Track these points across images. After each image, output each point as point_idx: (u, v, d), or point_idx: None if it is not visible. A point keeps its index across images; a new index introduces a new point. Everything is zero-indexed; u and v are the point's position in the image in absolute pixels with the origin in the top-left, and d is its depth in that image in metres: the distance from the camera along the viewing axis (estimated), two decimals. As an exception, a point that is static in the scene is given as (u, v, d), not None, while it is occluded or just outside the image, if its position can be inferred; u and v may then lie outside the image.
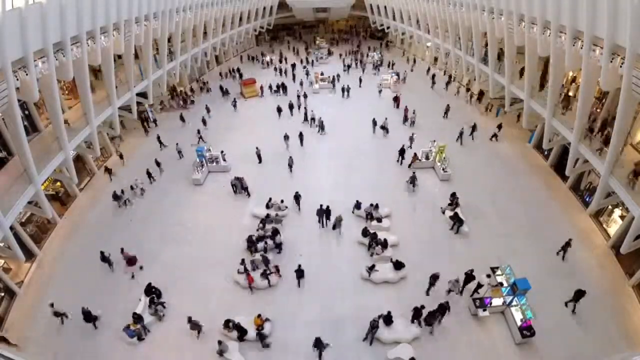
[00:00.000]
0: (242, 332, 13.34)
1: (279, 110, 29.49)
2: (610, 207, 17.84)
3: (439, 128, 27.08)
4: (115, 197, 19.96)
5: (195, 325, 13.51)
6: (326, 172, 22.68)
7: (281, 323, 14.13)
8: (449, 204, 19.04)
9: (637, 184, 14.79)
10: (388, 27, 45.17)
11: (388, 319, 13.51)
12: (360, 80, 35.43)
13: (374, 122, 26.56)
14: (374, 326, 13.22)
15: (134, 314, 13.78)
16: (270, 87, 34.52)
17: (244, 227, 18.44)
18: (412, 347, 12.96)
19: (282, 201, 19.28)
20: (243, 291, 15.51)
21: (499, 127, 25.78)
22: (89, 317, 13.77)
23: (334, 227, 17.91)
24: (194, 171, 22.25)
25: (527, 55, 21.05)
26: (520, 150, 24.38)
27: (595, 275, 15.75)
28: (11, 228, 14.44)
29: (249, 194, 20.80)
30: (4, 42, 12.69)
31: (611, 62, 13.92)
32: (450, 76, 35.14)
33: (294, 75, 37.22)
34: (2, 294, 15.00)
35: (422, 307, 13.64)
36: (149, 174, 21.78)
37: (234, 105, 31.12)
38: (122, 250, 16.43)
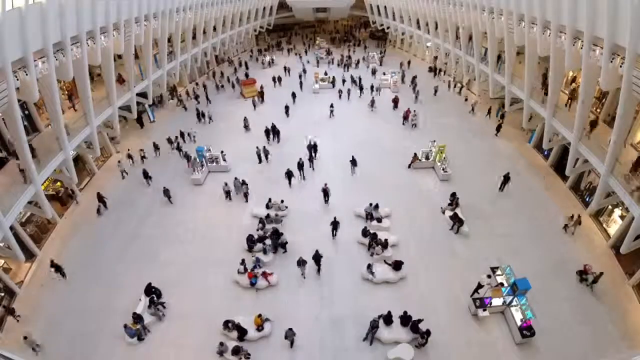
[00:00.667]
0: (241, 333, 13.34)
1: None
2: (610, 207, 17.85)
3: (439, 128, 27.12)
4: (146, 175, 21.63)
5: None
6: (326, 172, 22.72)
7: (281, 323, 14.11)
8: (449, 204, 19.04)
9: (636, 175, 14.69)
10: (388, 27, 45.16)
11: (388, 319, 13.51)
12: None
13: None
14: (374, 326, 13.21)
15: (134, 313, 13.79)
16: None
17: (244, 227, 18.44)
18: (412, 347, 12.98)
19: (282, 201, 19.29)
20: (243, 291, 15.50)
21: (499, 127, 25.95)
22: None
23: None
24: (194, 171, 22.25)
25: (527, 55, 21.05)
26: (520, 150, 24.38)
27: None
28: (11, 228, 14.46)
29: (247, 199, 20.35)
30: (4, 42, 12.71)
31: (611, 62, 13.92)
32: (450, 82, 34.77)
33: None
34: (2, 294, 14.99)
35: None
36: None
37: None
38: None
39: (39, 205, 16.57)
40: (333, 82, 34.92)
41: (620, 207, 17.04)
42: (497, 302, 13.97)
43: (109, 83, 21.52)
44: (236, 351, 12.65)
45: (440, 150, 22.25)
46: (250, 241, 16.96)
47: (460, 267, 16.20)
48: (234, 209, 19.94)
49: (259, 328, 13.57)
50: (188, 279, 15.99)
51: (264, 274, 15.49)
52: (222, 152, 23.24)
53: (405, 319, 13.49)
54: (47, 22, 14.76)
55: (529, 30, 19.71)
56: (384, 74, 36.47)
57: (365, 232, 17.37)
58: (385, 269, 15.81)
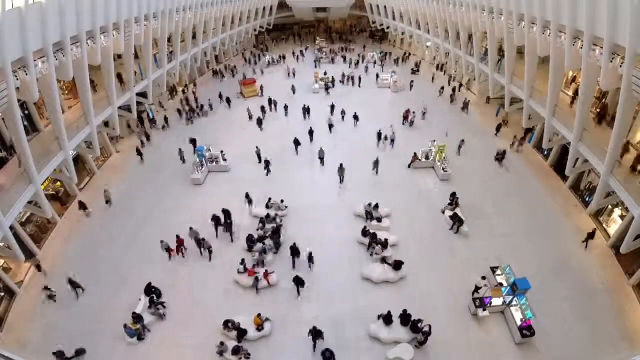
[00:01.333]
0: (241, 333, 13.33)
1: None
2: (610, 207, 17.85)
3: (439, 128, 27.10)
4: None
5: None
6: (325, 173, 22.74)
7: (281, 323, 14.12)
8: (449, 204, 19.04)
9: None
10: (388, 27, 45.19)
11: (388, 319, 13.50)
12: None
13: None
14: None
15: (134, 313, 13.79)
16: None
17: (244, 227, 18.43)
18: (412, 347, 12.99)
19: (282, 201, 19.29)
20: (243, 291, 15.50)
21: (498, 128, 25.95)
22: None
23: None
24: (194, 171, 22.25)
25: (527, 55, 21.06)
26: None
27: (595, 275, 15.74)
28: (11, 228, 14.46)
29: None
30: (4, 42, 12.71)
31: (611, 62, 13.92)
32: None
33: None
34: (2, 294, 15.00)
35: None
36: None
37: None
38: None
39: (39, 205, 16.57)
40: (333, 82, 34.85)
41: (620, 207, 17.05)
42: (497, 302, 13.97)
43: (109, 83, 21.52)
44: (236, 351, 12.65)
45: (440, 150, 22.26)
46: (250, 241, 16.95)
47: (460, 267, 16.20)
48: (234, 209, 19.77)
49: (259, 328, 13.58)
50: (188, 278, 15.99)
51: (265, 274, 15.51)
52: (222, 151, 23.25)
53: (405, 318, 13.50)
54: (47, 22, 14.77)
55: (529, 30, 19.71)
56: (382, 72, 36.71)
57: (365, 232, 17.37)
58: (386, 269, 15.80)
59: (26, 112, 18.94)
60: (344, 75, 35.96)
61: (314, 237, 17.67)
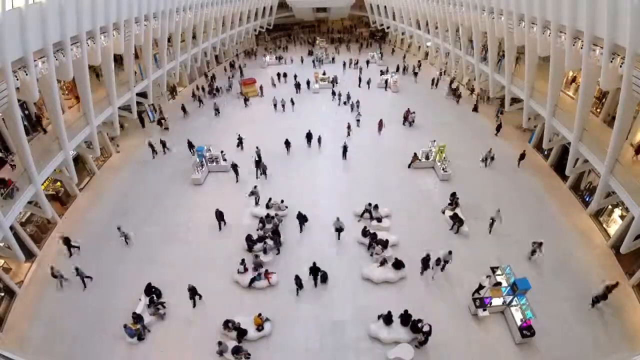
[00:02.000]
0: (241, 333, 13.33)
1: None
2: (610, 207, 17.85)
3: (439, 128, 27.11)
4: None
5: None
6: (326, 174, 22.76)
7: (281, 323, 14.12)
8: (449, 204, 19.03)
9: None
10: (388, 27, 45.20)
11: (388, 319, 13.50)
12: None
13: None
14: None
15: (134, 313, 13.77)
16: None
17: (244, 227, 18.43)
18: (412, 347, 12.98)
19: (282, 201, 19.29)
20: (243, 291, 15.50)
21: (498, 128, 25.95)
22: None
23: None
24: (194, 171, 22.25)
25: (527, 55, 21.06)
26: (520, 150, 24.34)
27: (595, 275, 15.74)
28: (11, 228, 14.46)
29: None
30: (4, 42, 12.72)
31: (611, 62, 13.92)
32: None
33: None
34: (2, 294, 14.99)
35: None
36: None
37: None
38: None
39: (39, 205, 16.57)
40: (333, 82, 34.87)
41: (620, 207, 17.05)
42: (497, 302, 13.97)
43: (109, 83, 21.52)
44: (236, 351, 12.65)
45: (440, 150, 22.26)
46: (250, 241, 16.95)
47: (460, 267, 16.19)
48: (234, 209, 19.84)
49: (259, 328, 13.57)
50: (188, 278, 15.96)
51: (266, 274, 15.50)
52: (222, 151, 23.24)
53: (406, 318, 13.50)
54: (47, 22, 14.77)
55: (529, 30, 19.71)
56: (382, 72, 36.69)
57: (365, 232, 17.37)
58: (385, 269, 15.79)
59: (26, 112, 18.93)
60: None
61: (314, 237, 17.67)
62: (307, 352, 13.27)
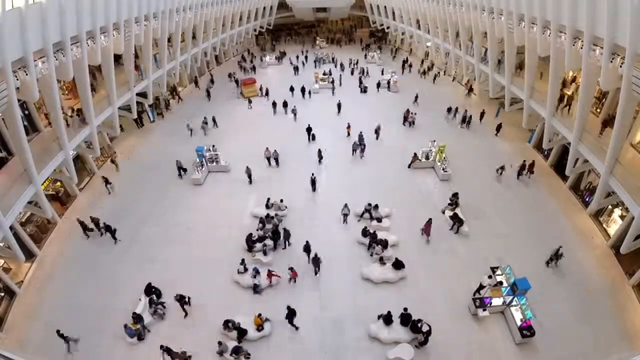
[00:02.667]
0: (241, 333, 13.33)
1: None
2: (610, 207, 17.84)
3: (439, 128, 27.10)
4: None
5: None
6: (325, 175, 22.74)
7: (281, 323, 14.11)
8: (449, 204, 19.03)
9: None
10: (388, 27, 45.19)
11: (388, 319, 13.50)
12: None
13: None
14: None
15: (134, 313, 13.78)
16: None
17: (244, 227, 18.42)
18: (412, 347, 12.98)
19: (281, 201, 19.29)
20: (243, 291, 15.49)
21: (498, 128, 25.94)
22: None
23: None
24: (193, 171, 22.24)
25: (527, 55, 21.06)
26: (520, 150, 24.37)
27: (595, 275, 15.74)
28: (11, 228, 14.46)
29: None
30: (4, 42, 12.71)
31: (611, 62, 13.92)
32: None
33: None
34: (2, 294, 14.99)
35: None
36: None
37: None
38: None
39: (39, 205, 16.57)
40: (333, 82, 34.86)
41: (620, 207, 17.05)
42: (497, 302, 13.96)
43: (109, 83, 21.52)
44: (236, 351, 12.65)
45: (440, 150, 22.25)
46: (250, 241, 16.95)
47: (460, 267, 16.20)
48: (234, 209, 19.86)
49: (259, 328, 13.57)
50: (188, 279, 15.98)
51: (269, 273, 15.50)
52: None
53: (406, 318, 13.49)
54: (47, 22, 14.75)
55: (529, 30, 19.71)
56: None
57: (365, 232, 17.37)
58: (385, 269, 15.79)
59: (26, 112, 18.90)
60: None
61: (313, 237, 17.64)
62: (307, 352, 13.27)
